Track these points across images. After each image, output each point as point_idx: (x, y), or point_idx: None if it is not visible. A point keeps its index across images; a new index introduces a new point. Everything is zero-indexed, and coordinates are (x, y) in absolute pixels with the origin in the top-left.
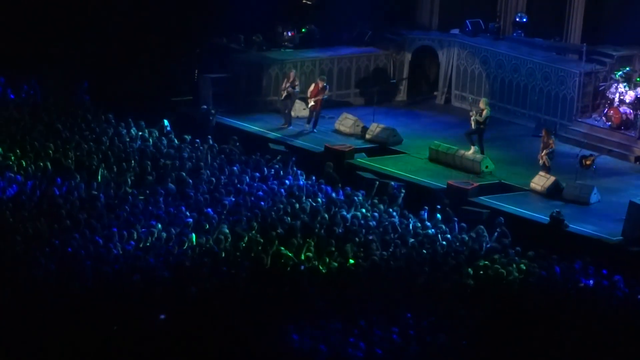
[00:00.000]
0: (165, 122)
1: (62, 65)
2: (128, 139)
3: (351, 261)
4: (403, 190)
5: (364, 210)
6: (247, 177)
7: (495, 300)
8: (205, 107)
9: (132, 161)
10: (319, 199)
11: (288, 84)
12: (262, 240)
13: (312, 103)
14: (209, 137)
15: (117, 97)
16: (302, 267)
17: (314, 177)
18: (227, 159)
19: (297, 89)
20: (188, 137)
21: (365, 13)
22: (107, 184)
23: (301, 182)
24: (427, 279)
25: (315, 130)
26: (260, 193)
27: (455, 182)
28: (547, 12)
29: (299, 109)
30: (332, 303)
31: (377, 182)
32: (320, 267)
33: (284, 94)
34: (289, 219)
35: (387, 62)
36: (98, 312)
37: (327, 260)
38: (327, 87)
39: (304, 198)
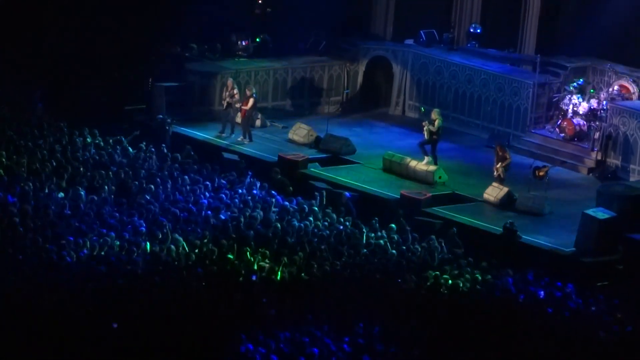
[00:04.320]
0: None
1: (15, 73)
2: (82, 148)
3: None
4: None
5: (311, 219)
6: (201, 187)
7: (447, 311)
8: (161, 116)
9: (86, 170)
10: (272, 208)
11: (227, 93)
12: (215, 249)
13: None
14: (163, 145)
15: (71, 106)
16: (254, 277)
17: (266, 186)
18: (181, 168)
19: (237, 97)
20: (143, 146)
21: (320, 23)
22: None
23: (255, 192)
24: (378, 288)
25: (246, 142)
26: (214, 202)
27: (408, 193)
28: (501, 23)
29: (254, 120)
30: (285, 312)
31: (324, 191)
32: (273, 277)
33: (225, 103)
34: (242, 228)
35: (340, 72)
36: (50, 320)
37: (280, 269)
38: (255, 95)
39: (257, 208)
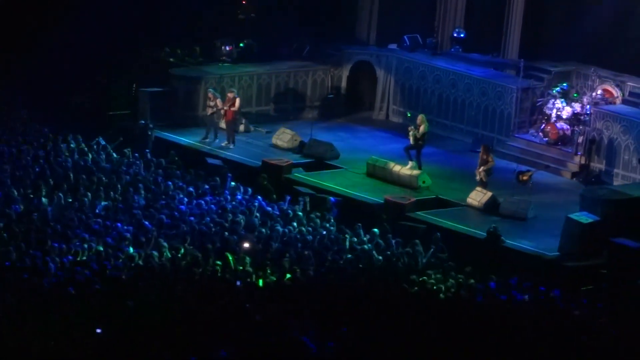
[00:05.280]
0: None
1: None
2: (67, 153)
3: (288, 275)
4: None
5: (295, 224)
6: (184, 192)
7: (430, 315)
8: (143, 121)
9: (70, 175)
10: (256, 214)
11: (211, 103)
12: (199, 256)
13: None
14: (147, 151)
15: (55, 111)
16: (239, 283)
17: (250, 191)
18: (165, 173)
19: (219, 106)
20: (127, 151)
21: (304, 28)
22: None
23: (239, 197)
24: (363, 293)
25: (231, 146)
26: (197, 208)
27: (392, 197)
28: (485, 28)
29: (238, 124)
30: (269, 317)
31: (308, 197)
32: (257, 282)
33: (209, 110)
34: (226, 233)
35: (324, 76)
36: (34, 325)
37: (264, 274)
38: (237, 98)
39: (240, 213)
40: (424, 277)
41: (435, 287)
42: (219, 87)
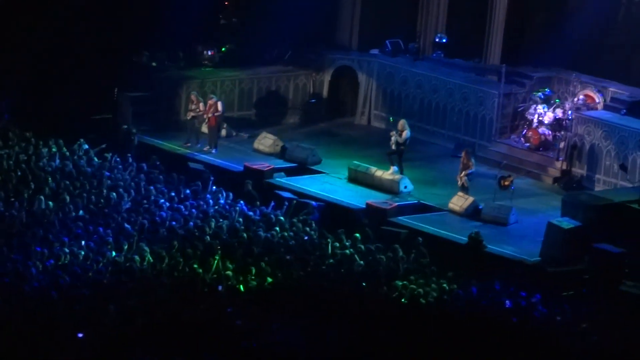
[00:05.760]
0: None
1: None
2: (47, 158)
3: (269, 280)
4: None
5: (277, 229)
6: (166, 196)
7: (412, 320)
8: (126, 126)
9: (51, 179)
10: (238, 218)
11: (193, 106)
12: (181, 260)
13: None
14: (129, 155)
15: (37, 116)
16: (220, 287)
17: (231, 195)
18: (147, 177)
19: (202, 110)
20: (109, 156)
21: (286, 32)
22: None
23: (222, 201)
24: (344, 298)
25: (213, 151)
26: (179, 213)
27: (374, 202)
28: (467, 33)
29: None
30: (251, 322)
31: (294, 202)
32: (239, 287)
33: (190, 115)
34: (208, 238)
35: (306, 81)
36: (17, 330)
37: (246, 279)
38: (219, 102)
39: (222, 218)
40: (405, 282)
41: (416, 292)
42: (201, 92)
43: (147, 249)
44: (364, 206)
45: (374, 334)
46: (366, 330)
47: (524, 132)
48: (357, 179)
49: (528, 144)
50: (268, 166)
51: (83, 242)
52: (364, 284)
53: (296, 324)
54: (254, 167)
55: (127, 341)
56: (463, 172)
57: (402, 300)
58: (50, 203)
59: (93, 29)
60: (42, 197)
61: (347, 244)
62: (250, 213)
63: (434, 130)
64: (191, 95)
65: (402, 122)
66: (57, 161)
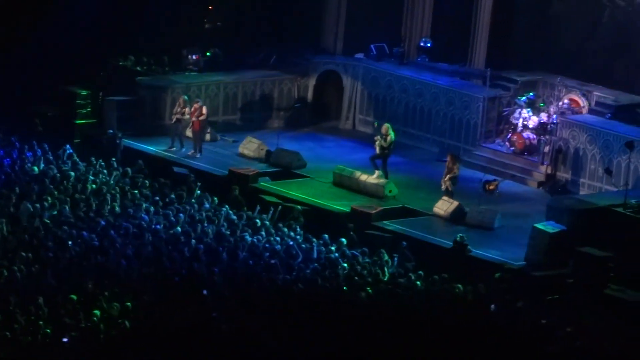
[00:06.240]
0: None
1: None
2: (31, 162)
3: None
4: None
5: (263, 234)
6: (150, 200)
7: (398, 324)
8: (111, 131)
9: (35, 184)
10: (222, 222)
11: (178, 109)
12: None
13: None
14: (114, 160)
15: (21, 119)
16: (204, 292)
17: (216, 200)
18: (132, 182)
19: (187, 115)
20: (93, 160)
21: (271, 37)
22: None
23: (206, 206)
24: (330, 302)
25: (198, 155)
26: (164, 217)
27: (359, 207)
28: (451, 37)
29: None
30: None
31: (280, 207)
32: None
33: (175, 118)
34: (193, 242)
35: (291, 86)
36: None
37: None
38: (203, 106)
39: (206, 222)
40: (390, 286)
41: (402, 296)
42: (187, 101)
43: (130, 253)
44: (349, 210)
45: (359, 338)
46: (350, 334)
47: (508, 136)
48: (342, 183)
49: (513, 148)
50: (253, 170)
51: (68, 246)
52: (344, 287)
53: (281, 327)
54: (239, 171)
55: (113, 346)
56: (447, 176)
57: (387, 303)
58: (37, 206)
59: (77, 32)
60: (27, 202)
61: (332, 248)
62: (234, 217)
63: (419, 134)
64: (180, 98)
65: (385, 126)
66: (42, 165)
